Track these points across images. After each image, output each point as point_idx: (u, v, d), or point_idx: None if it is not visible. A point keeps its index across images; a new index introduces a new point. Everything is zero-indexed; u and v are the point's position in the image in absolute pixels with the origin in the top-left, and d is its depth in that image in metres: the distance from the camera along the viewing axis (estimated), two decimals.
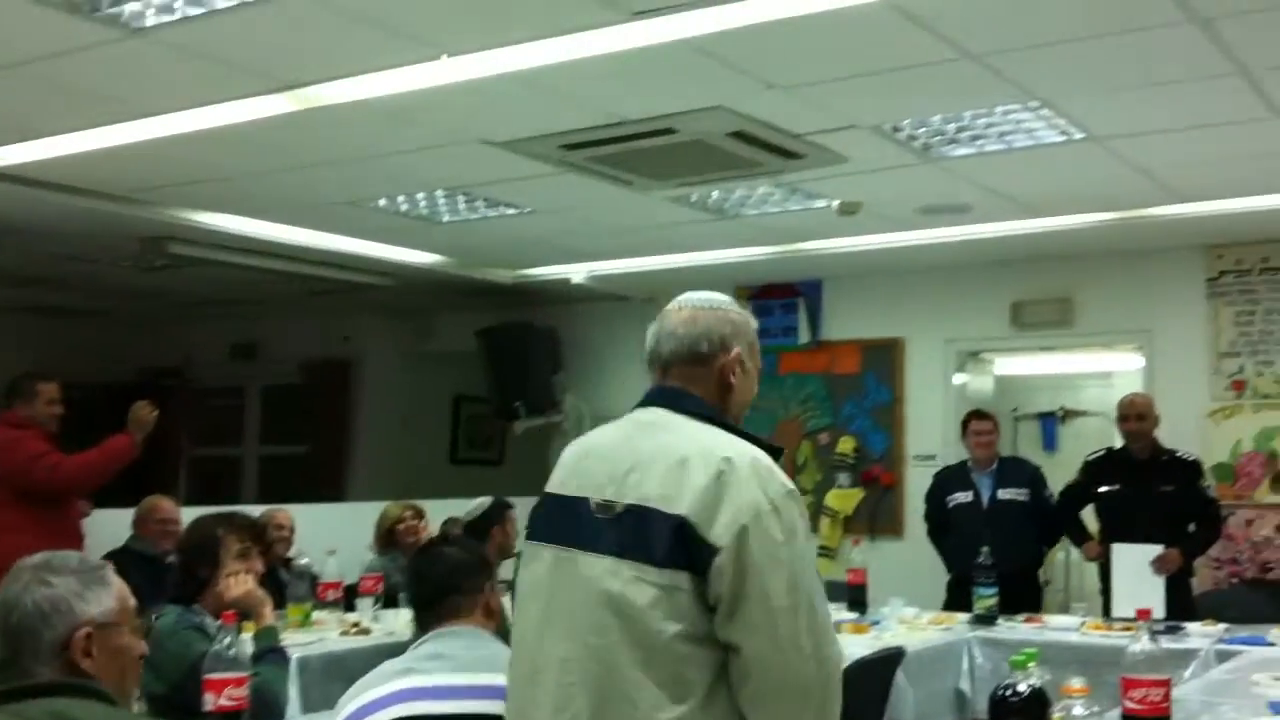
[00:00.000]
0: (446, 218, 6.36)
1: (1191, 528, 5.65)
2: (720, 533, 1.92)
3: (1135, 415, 5.70)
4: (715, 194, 5.89)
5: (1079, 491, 5.88)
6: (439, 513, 6.22)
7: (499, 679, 2.30)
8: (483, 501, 5.26)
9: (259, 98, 4.34)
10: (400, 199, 6.01)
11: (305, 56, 4.01)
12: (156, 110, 4.51)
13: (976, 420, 6.15)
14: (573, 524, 2.07)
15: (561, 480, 2.16)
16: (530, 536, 2.18)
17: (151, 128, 4.66)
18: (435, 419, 9.66)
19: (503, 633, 2.62)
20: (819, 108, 4.49)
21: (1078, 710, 2.32)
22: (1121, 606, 5.30)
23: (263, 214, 6.31)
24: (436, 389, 9.58)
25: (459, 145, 5.00)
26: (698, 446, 2.02)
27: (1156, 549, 5.35)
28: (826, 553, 7.71)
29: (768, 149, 4.93)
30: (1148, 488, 5.61)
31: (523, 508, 5.43)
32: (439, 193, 5.89)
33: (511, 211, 6.19)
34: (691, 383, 2.19)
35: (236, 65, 4.06)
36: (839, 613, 5.58)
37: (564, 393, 8.67)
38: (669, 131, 4.73)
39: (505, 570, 5.55)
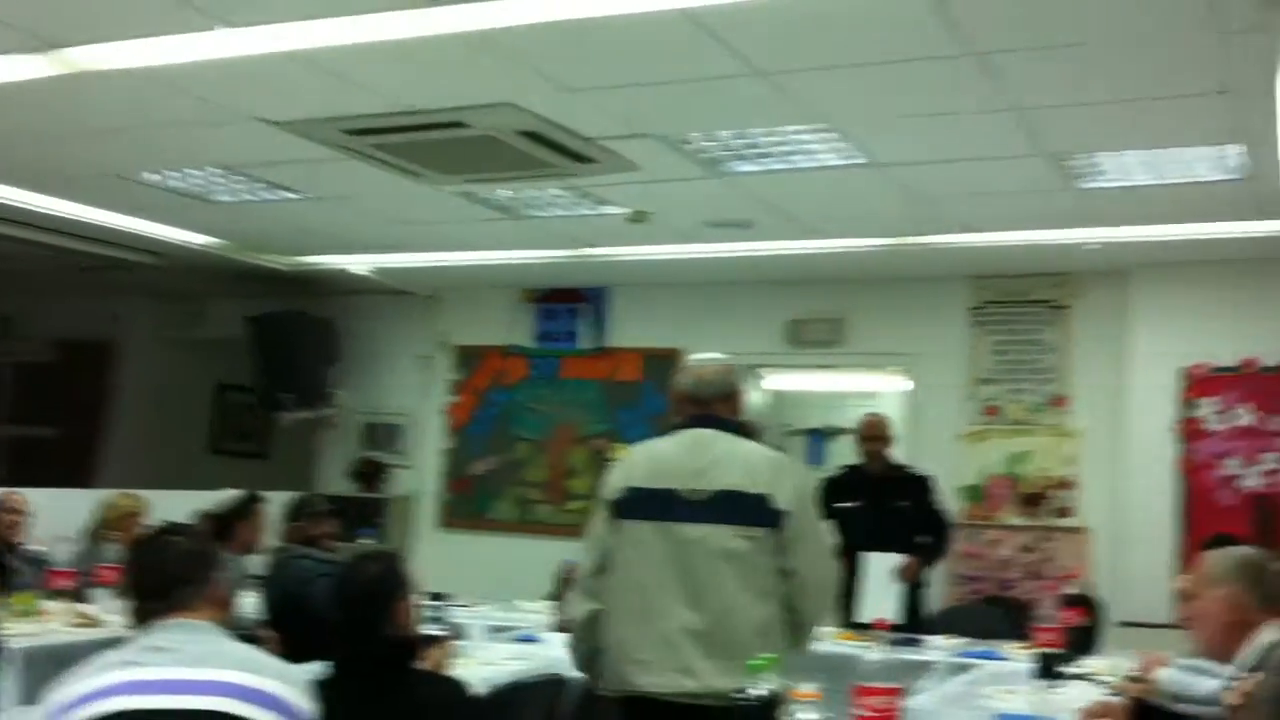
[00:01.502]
0: (222, 198, 6.08)
1: (925, 540, 5.91)
2: (786, 502, 3.13)
3: (873, 435, 5.97)
4: (505, 193, 5.82)
5: (821, 505, 6.00)
6: (194, 506, 5.92)
7: (226, 674, 2.26)
8: (229, 495, 5.03)
9: (17, 56, 4.04)
10: (171, 175, 5.72)
11: (68, 14, 3.76)
12: None
13: None
14: (664, 506, 3.16)
15: (643, 477, 3.22)
16: (625, 517, 3.20)
17: None
18: (197, 407, 9.24)
19: (232, 626, 2.51)
20: (610, 113, 4.49)
21: (808, 715, 2.34)
22: (867, 612, 5.48)
23: (19, 182, 5.91)
24: (201, 376, 9.17)
25: (235, 123, 4.78)
26: (753, 450, 3.24)
27: (900, 558, 5.59)
28: None
29: (558, 151, 4.89)
30: (883, 503, 5.85)
31: (281, 501, 5.31)
32: (214, 171, 5.62)
33: (292, 196, 5.96)
34: (726, 413, 3.30)
35: None
36: None
37: (337, 387, 8.44)
38: (459, 125, 4.64)
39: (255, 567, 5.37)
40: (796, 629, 3.19)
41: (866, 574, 5.53)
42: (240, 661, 2.33)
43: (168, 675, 2.28)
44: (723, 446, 3.21)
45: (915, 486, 5.98)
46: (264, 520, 5.11)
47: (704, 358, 3.49)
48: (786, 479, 3.18)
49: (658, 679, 3.11)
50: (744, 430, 3.29)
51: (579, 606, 3.31)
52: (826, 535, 3.49)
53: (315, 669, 2.88)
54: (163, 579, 2.46)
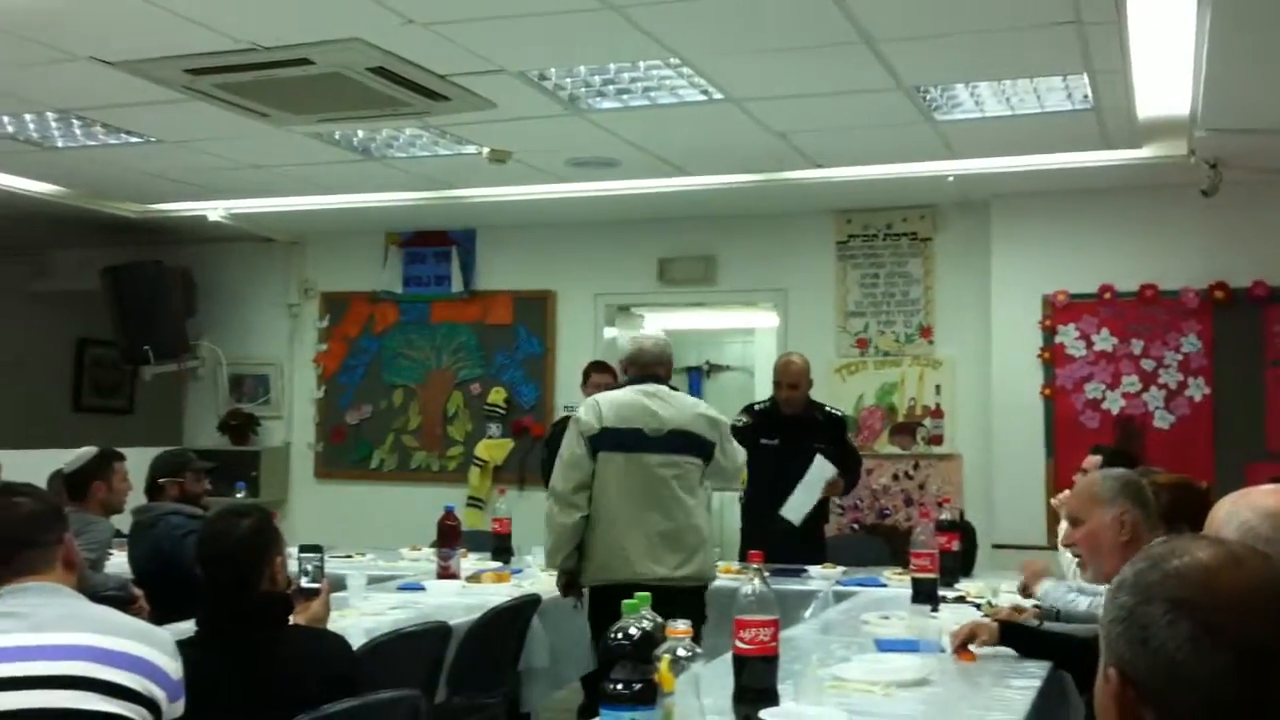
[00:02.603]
0: (61, 143, 5.81)
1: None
2: (713, 435, 4.51)
3: (789, 383, 5.90)
4: (360, 133, 5.67)
5: (748, 435, 5.98)
6: (55, 466, 5.71)
7: (82, 637, 2.18)
8: (85, 452, 4.85)
9: None
10: (4, 119, 5.43)
11: None
12: None
13: (597, 373, 6.19)
14: (633, 440, 4.39)
15: (615, 418, 4.41)
16: (603, 448, 4.38)
17: None
18: (57, 364, 8.89)
19: (94, 586, 2.41)
20: (462, 48, 4.37)
21: (681, 651, 2.35)
22: (793, 512, 5.62)
23: None
24: (56, 331, 8.81)
25: (69, 62, 4.55)
26: (686, 400, 4.65)
27: (833, 470, 5.68)
28: (476, 503, 7.68)
29: (411, 88, 4.76)
30: (800, 442, 5.82)
31: (149, 457, 5.14)
32: (49, 115, 5.36)
33: (135, 140, 5.72)
34: (663, 374, 4.58)
35: None
36: (483, 562, 5.57)
37: (199, 337, 8.20)
38: (305, 62, 4.48)
39: (121, 522, 5.21)
40: (729, 488, 5.01)
41: (809, 476, 5.64)
42: (96, 623, 2.24)
43: (19, 642, 2.18)
44: (665, 398, 4.50)
45: (830, 426, 5.98)
46: (124, 478, 4.94)
47: (644, 333, 4.84)
48: (708, 417, 4.55)
49: (637, 569, 4.28)
50: (671, 385, 4.59)
51: (569, 515, 4.37)
52: (734, 444, 4.66)
53: (184, 628, 2.81)
54: (7, 542, 2.34)
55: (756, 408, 6.12)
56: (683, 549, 4.37)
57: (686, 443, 4.45)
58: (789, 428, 5.87)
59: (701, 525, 4.46)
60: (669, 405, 4.48)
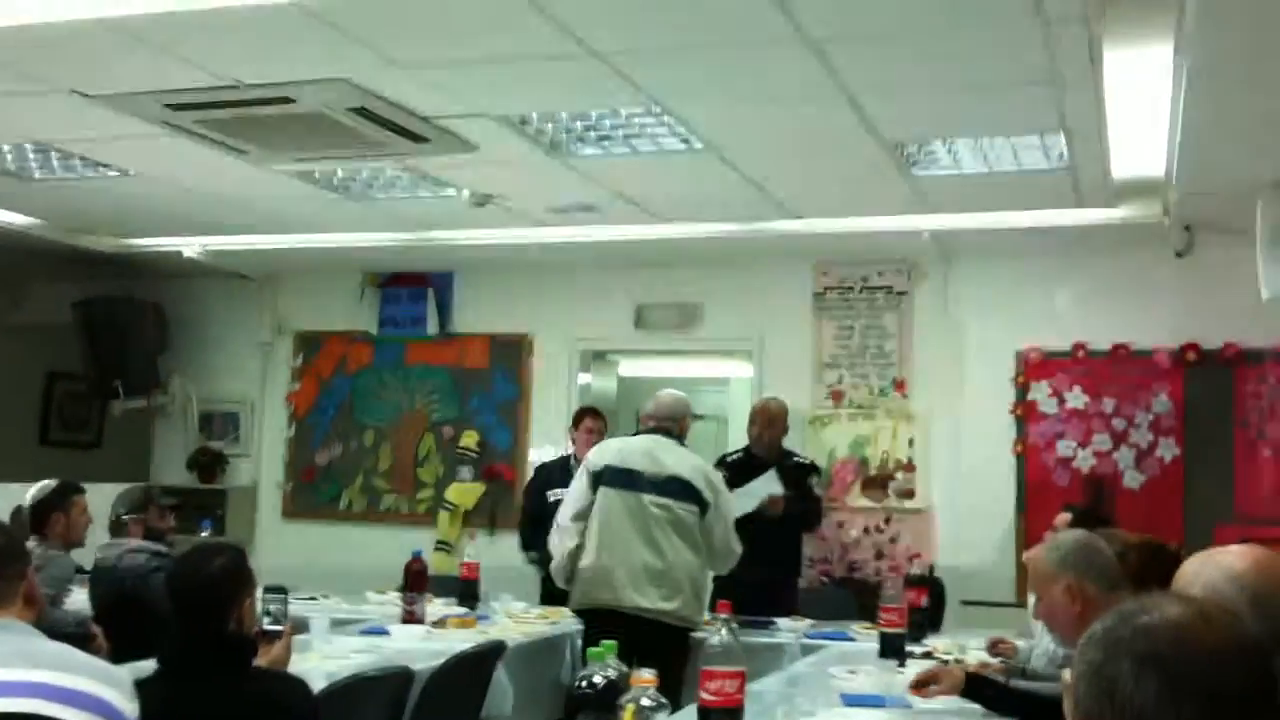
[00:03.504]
0: (38, 175, 5.78)
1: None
2: (707, 493, 4.80)
3: (765, 422, 5.99)
4: (340, 172, 5.67)
5: None
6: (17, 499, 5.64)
7: (37, 674, 2.13)
8: (46, 484, 4.80)
9: None
10: None
11: None
12: None
13: (591, 418, 6.26)
14: (631, 480, 4.77)
15: (617, 458, 4.85)
16: (604, 484, 4.79)
17: None
18: (25, 396, 8.80)
19: (42, 626, 2.37)
20: (445, 91, 4.38)
21: (645, 700, 2.32)
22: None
23: None
24: (28, 364, 8.73)
25: (48, 95, 4.53)
26: (690, 455, 4.97)
27: (779, 488, 5.75)
28: (444, 547, 7.60)
29: (393, 129, 4.76)
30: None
31: (116, 492, 5.08)
32: (27, 146, 5.34)
33: (113, 174, 5.70)
34: (675, 429, 4.97)
35: None
36: (450, 606, 5.51)
37: (170, 374, 8.15)
38: (287, 100, 4.47)
39: (84, 557, 5.13)
40: (714, 567, 4.96)
41: (752, 483, 5.76)
42: (53, 660, 2.20)
43: None
44: (674, 449, 4.91)
45: (798, 472, 6.02)
46: (83, 510, 4.88)
47: (666, 391, 5.15)
48: (709, 477, 4.90)
49: (620, 596, 4.67)
50: (683, 441, 5.00)
51: (568, 542, 4.82)
52: (732, 515, 4.98)
53: (144, 666, 2.76)
54: None
55: (729, 459, 6.13)
56: (667, 585, 4.71)
57: (682, 489, 4.79)
58: (757, 473, 5.89)
59: (691, 569, 4.78)
60: (671, 455, 4.88)
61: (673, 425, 4.97)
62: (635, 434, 5.15)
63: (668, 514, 4.77)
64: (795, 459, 6.11)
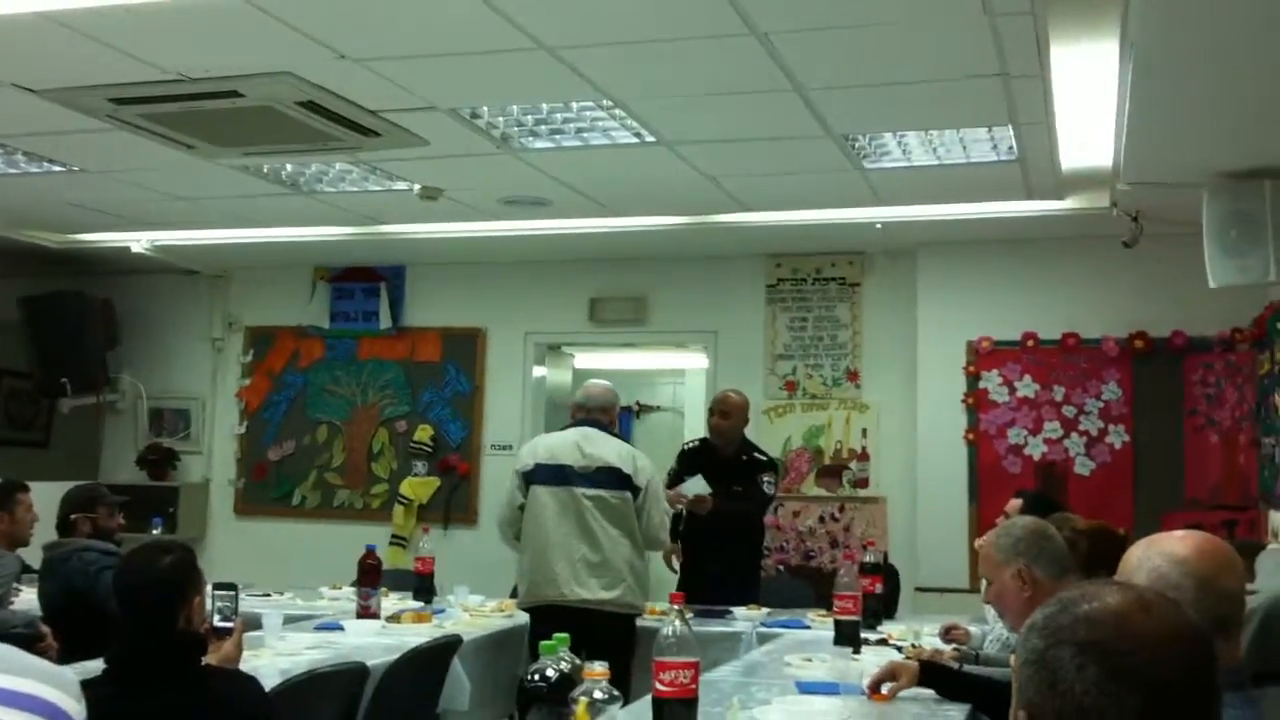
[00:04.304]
0: None
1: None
2: (639, 479, 4.93)
3: (720, 410, 5.93)
4: (289, 167, 5.61)
5: (673, 481, 5.97)
6: None
7: None
8: None
9: None
10: None
11: None
12: None
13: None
14: (562, 475, 4.89)
15: (547, 455, 4.96)
16: (535, 482, 4.92)
17: None
18: None
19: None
20: (394, 84, 4.35)
21: (598, 694, 2.32)
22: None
23: None
24: None
25: None
26: (620, 443, 5.07)
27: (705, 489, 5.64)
28: (399, 541, 7.58)
29: (342, 123, 4.72)
30: (724, 485, 5.80)
31: (64, 491, 5.01)
32: None
33: (57, 169, 5.62)
34: (604, 419, 5.06)
35: None
36: (404, 601, 5.49)
37: (119, 370, 8.05)
38: (234, 94, 4.43)
39: (31, 556, 5.07)
40: (647, 550, 5.07)
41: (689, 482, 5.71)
42: None
43: None
44: (601, 439, 4.99)
45: (756, 471, 5.94)
46: (29, 510, 4.82)
47: (594, 382, 5.26)
48: (640, 463, 4.98)
49: (564, 590, 4.78)
50: (614, 430, 5.11)
51: (508, 541, 5.10)
52: (664, 499, 5.13)
53: (92, 667, 2.73)
54: None
55: (686, 449, 6.12)
56: (608, 574, 4.84)
57: (612, 477, 4.91)
58: (713, 467, 5.88)
59: (629, 557, 4.90)
60: (598, 445, 4.97)
61: (602, 416, 5.07)
62: (564, 428, 5.19)
63: (600, 504, 4.89)
64: (755, 454, 6.05)
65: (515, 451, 7.12)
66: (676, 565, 5.85)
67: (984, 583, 3.66)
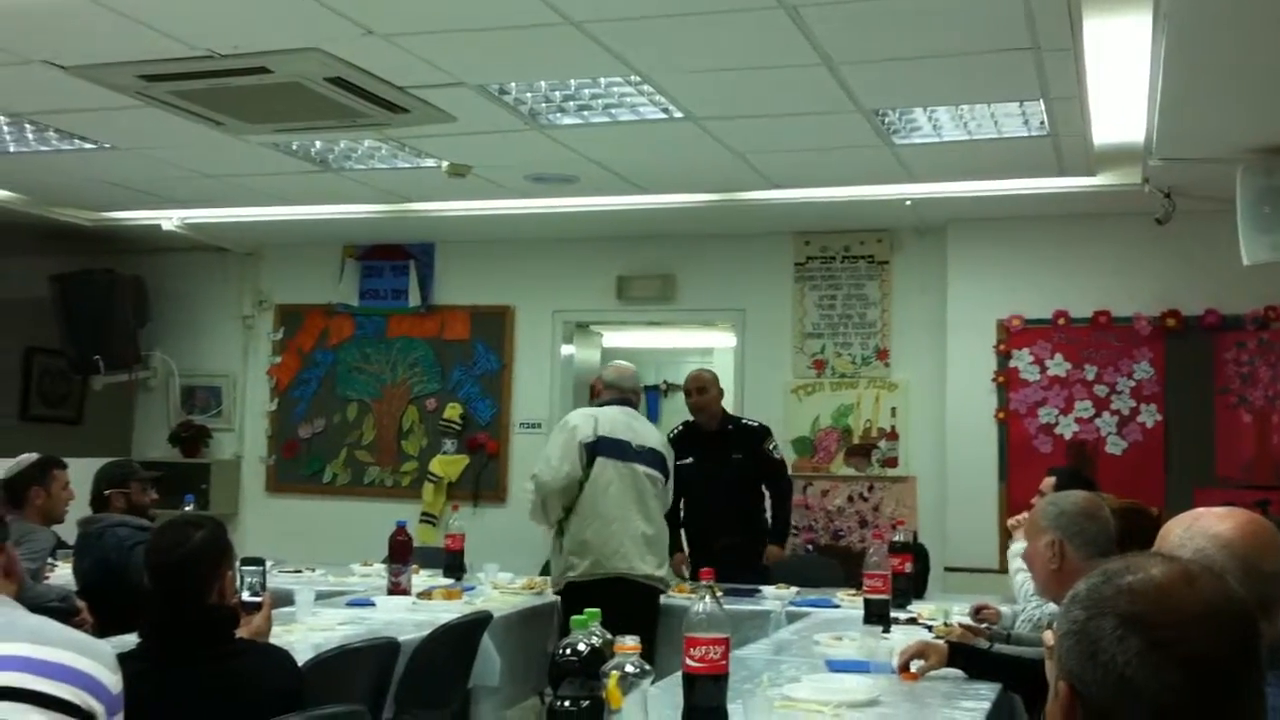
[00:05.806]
0: (13, 148, 5.72)
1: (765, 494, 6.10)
2: (670, 464, 5.25)
3: (695, 389, 6.01)
4: (318, 144, 5.62)
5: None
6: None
7: (15, 648, 2.08)
8: (25, 458, 4.77)
9: None
10: None
11: None
12: None
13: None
14: (623, 451, 4.99)
15: (609, 429, 5.02)
16: (602, 455, 4.95)
17: None
18: (4, 373, 8.74)
19: (24, 600, 2.35)
20: (422, 60, 4.35)
21: (629, 668, 2.32)
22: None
23: None
24: (7, 340, 8.67)
25: (20, 65, 4.48)
26: (652, 427, 5.35)
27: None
28: (429, 519, 7.61)
29: (370, 99, 4.72)
30: (719, 457, 5.92)
31: (98, 468, 5.05)
32: (1, 119, 5.28)
33: (89, 146, 5.64)
34: (635, 400, 5.28)
35: None
36: (435, 578, 5.52)
37: (150, 348, 8.10)
38: (263, 71, 4.43)
39: (66, 532, 5.11)
40: None
41: None
42: (32, 633, 2.16)
43: None
44: (641, 420, 5.21)
45: (750, 437, 6.04)
46: (64, 485, 4.86)
47: (622, 363, 5.44)
48: (668, 448, 5.30)
49: (633, 564, 4.89)
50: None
51: (553, 506, 4.97)
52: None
53: (128, 641, 2.75)
54: None
55: (672, 435, 6.13)
56: (657, 551, 5.05)
57: (655, 459, 5.12)
58: (703, 445, 5.96)
59: (664, 531, 5.19)
60: (643, 425, 5.21)
61: (634, 397, 5.28)
62: (603, 404, 5.23)
63: (653, 482, 5.08)
64: (744, 423, 6.15)
65: (543, 430, 7.17)
66: (686, 574, 5.82)
67: (1015, 543, 3.69)
